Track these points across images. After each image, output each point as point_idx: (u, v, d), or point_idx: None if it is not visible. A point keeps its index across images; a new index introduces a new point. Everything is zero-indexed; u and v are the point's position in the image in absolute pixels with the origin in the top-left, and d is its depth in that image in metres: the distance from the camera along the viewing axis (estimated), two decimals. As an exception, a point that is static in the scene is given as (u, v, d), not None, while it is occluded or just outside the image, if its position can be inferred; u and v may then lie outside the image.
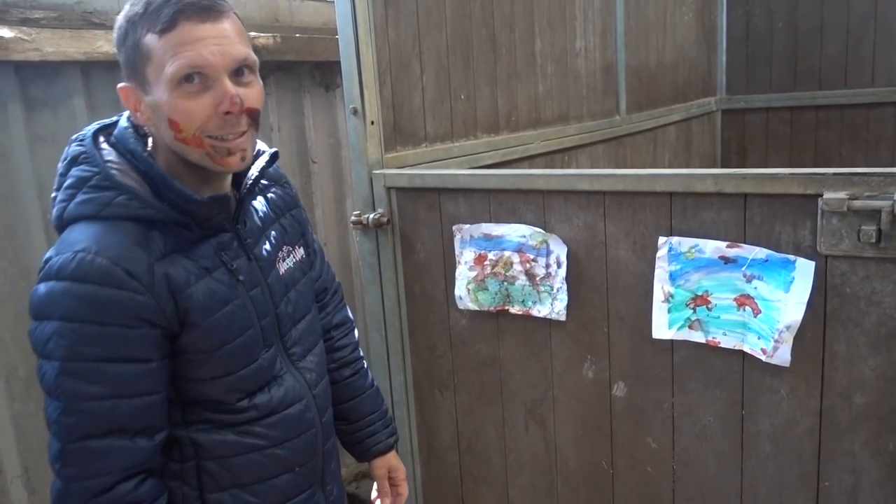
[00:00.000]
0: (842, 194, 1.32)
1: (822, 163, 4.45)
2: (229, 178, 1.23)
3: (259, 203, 1.31)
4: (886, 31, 4.19)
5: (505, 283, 1.79)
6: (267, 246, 1.28)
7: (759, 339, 1.47)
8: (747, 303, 1.48)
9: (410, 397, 2.09)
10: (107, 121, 1.21)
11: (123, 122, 1.17)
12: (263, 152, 1.29)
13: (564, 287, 1.71)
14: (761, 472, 1.56)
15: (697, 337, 1.56)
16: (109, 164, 1.12)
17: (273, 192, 1.36)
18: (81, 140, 1.16)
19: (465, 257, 1.84)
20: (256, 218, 1.28)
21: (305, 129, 2.98)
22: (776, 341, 1.44)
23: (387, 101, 1.99)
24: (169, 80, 1.05)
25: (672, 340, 1.59)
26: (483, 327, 1.89)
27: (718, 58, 4.75)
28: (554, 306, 1.73)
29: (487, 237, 1.80)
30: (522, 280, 1.76)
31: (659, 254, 1.56)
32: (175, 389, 1.18)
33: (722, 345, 1.53)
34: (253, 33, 2.52)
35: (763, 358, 1.47)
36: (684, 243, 1.53)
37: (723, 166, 4.82)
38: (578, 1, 2.96)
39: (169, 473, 1.20)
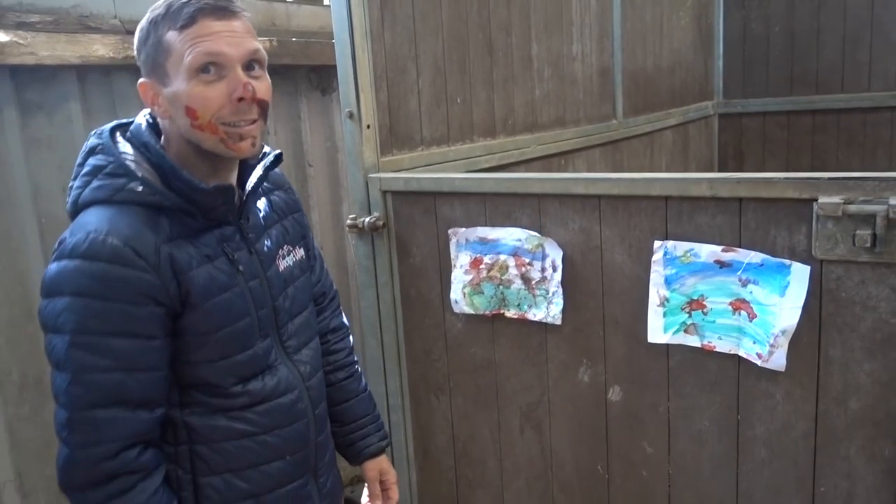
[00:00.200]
0: (837, 199, 1.33)
1: (818, 167, 4.46)
2: (235, 172, 1.30)
3: (263, 204, 1.38)
4: (883, 36, 4.20)
5: (500, 287, 1.79)
6: (268, 242, 1.35)
7: (754, 343, 1.47)
8: (743, 307, 1.47)
9: (406, 401, 2.08)
10: (124, 120, 1.29)
11: (139, 120, 1.26)
12: (268, 153, 1.37)
13: (560, 291, 1.71)
14: (757, 477, 1.56)
15: (693, 341, 1.55)
16: (124, 155, 1.20)
17: (276, 196, 1.43)
18: (99, 134, 1.24)
19: (461, 261, 1.84)
20: (260, 216, 1.36)
21: (302, 132, 2.97)
22: (771, 346, 1.44)
23: (383, 105, 1.99)
24: (187, 69, 1.14)
25: (667, 344, 1.59)
26: (479, 331, 1.88)
27: (715, 62, 4.76)
28: (549, 310, 1.73)
29: (483, 241, 1.80)
30: (518, 284, 1.76)
31: (654, 258, 1.56)
32: (173, 372, 1.23)
33: (717, 349, 1.53)
34: (249, 37, 2.52)
35: (758, 362, 1.47)
36: (680, 247, 1.53)
37: (720, 170, 4.83)
38: (575, 5, 2.96)
39: (164, 457, 1.24)
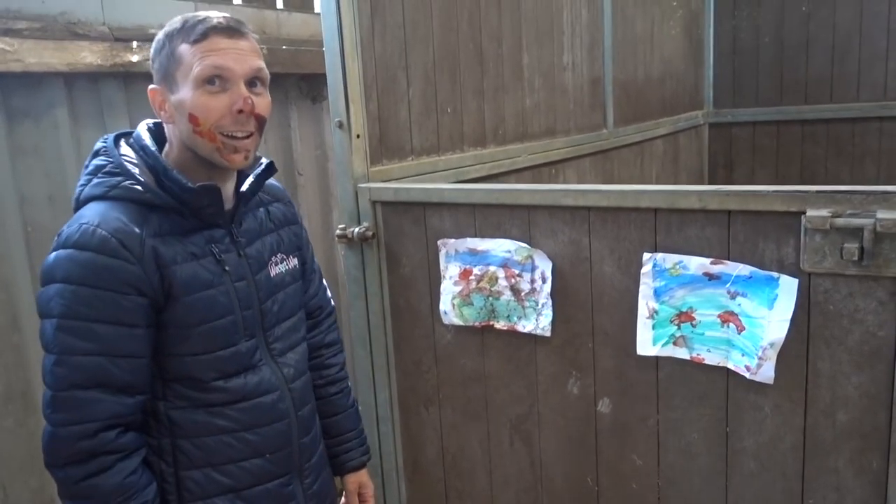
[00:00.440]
0: (824, 212, 1.33)
1: (808, 177, 4.48)
2: (232, 181, 1.38)
3: (261, 213, 1.46)
4: (871, 46, 4.23)
5: (490, 298, 1.78)
6: (260, 247, 1.41)
7: (743, 355, 1.47)
8: (731, 319, 1.47)
9: (395, 412, 2.07)
10: (129, 130, 1.39)
11: (140, 128, 1.36)
12: (262, 163, 1.44)
13: (549, 302, 1.70)
14: (746, 490, 1.56)
15: (682, 353, 1.55)
16: (124, 157, 1.29)
17: (275, 207, 1.51)
18: (105, 139, 1.34)
19: (450, 272, 1.83)
20: (255, 223, 1.43)
21: (292, 140, 2.97)
22: (760, 358, 1.43)
23: (373, 115, 1.99)
24: (194, 79, 1.23)
25: (657, 357, 1.59)
26: (468, 342, 1.88)
27: (706, 72, 4.79)
28: (539, 322, 1.72)
29: (472, 252, 1.79)
30: (507, 295, 1.76)
31: (643, 270, 1.56)
32: (158, 365, 1.29)
33: (706, 361, 1.53)
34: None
35: (747, 375, 1.47)
36: (669, 259, 1.53)
37: (710, 180, 4.85)
38: (566, 15, 2.97)
39: (148, 449, 1.31)
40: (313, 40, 3.02)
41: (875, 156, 4.31)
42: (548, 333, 1.72)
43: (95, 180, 1.27)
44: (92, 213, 1.22)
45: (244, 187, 1.39)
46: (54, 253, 1.21)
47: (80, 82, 2.21)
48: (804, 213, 1.35)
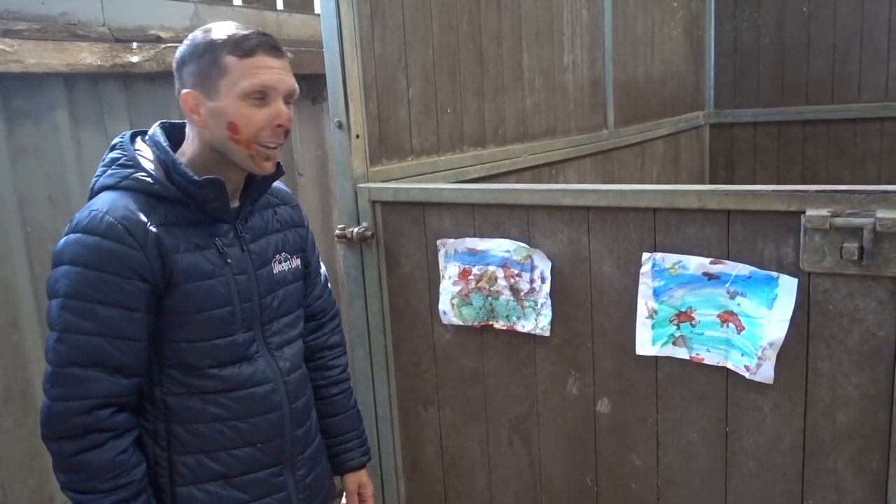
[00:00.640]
0: (824, 211, 1.32)
1: (809, 177, 4.47)
2: (241, 182, 1.44)
3: (268, 213, 1.52)
4: (872, 47, 4.23)
5: (489, 298, 1.78)
6: (264, 245, 1.46)
7: (742, 355, 1.47)
8: (731, 319, 1.47)
9: (394, 413, 2.07)
10: (144, 129, 1.45)
11: (155, 126, 1.42)
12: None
13: (549, 302, 1.70)
14: (745, 490, 1.55)
15: (681, 353, 1.55)
16: (137, 151, 1.36)
17: (283, 209, 1.56)
18: (122, 135, 1.41)
19: (450, 272, 1.83)
20: (261, 222, 1.48)
21: (292, 141, 2.97)
22: (759, 358, 1.43)
23: (372, 115, 1.99)
24: (241, 91, 1.31)
25: (656, 357, 1.59)
26: (467, 342, 1.88)
27: (706, 72, 4.79)
28: (538, 321, 1.72)
29: (472, 252, 1.79)
30: (507, 295, 1.75)
31: (643, 270, 1.55)
32: (156, 351, 1.34)
33: (706, 361, 1.52)
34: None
35: (746, 375, 1.46)
36: (668, 259, 1.53)
37: (711, 180, 4.84)
38: (566, 16, 2.97)
39: (143, 433, 1.36)
40: (313, 41, 3.02)
41: (876, 156, 4.30)
42: (547, 333, 1.72)
43: (109, 171, 1.34)
44: (102, 202, 1.29)
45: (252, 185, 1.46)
46: (65, 237, 1.28)
47: (80, 83, 2.21)
48: (804, 212, 1.35)
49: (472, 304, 1.81)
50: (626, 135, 3.56)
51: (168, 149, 1.36)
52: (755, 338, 1.43)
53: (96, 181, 1.36)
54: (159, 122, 1.43)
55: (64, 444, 1.26)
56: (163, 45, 2.37)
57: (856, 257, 1.31)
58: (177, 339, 1.34)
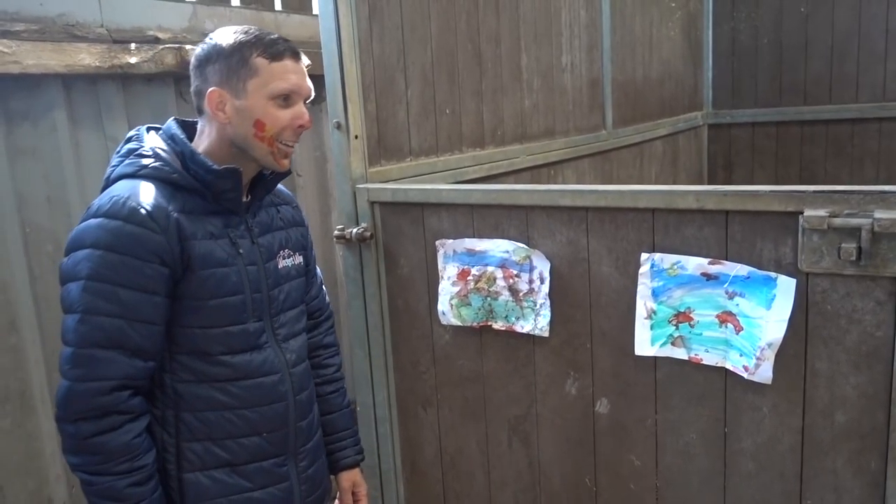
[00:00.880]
0: (822, 212, 1.33)
1: (807, 177, 4.48)
2: (249, 179, 1.49)
3: (272, 211, 1.56)
4: (870, 47, 4.23)
5: (488, 299, 1.78)
6: (270, 240, 1.52)
7: (741, 356, 1.47)
8: (729, 320, 1.47)
9: (394, 413, 2.07)
10: (158, 125, 1.50)
11: (170, 121, 1.47)
12: None
13: (547, 303, 1.70)
14: (744, 490, 1.55)
15: (680, 354, 1.55)
16: (154, 143, 1.41)
17: (285, 209, 1.61)
18: (137, 129, 1.47)
19: (449, 272, 1.83)
20: (267, 219, 1.53)
21: (291, 142, 2.96)
22: (758, 358, 1.43)
23: (371, 116, 1.99)
24: (270, 92, 1.38)
25: (655, 357, 1.59)
26: (466, 343, 1.88)
27: (705, 73, 4.79)
28: (537, 322, 1.72)
29: (471, 252, 1.79)
30: (506, 295, 1.76)
31: (641, 270, 1.56)
32: (169, 338, 1.37)
33: (704, 362, 1.53)
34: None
35: (745, 375, 1.46)
36: (666, 260, 1.53)
37: (709, 180, 4.85)
38: (564, 16, 2.97)
39: (151, 419, 1.38)
40: (312, 42, 3.01)
41: (874, 156, 4.31)
42: (546, 334, 1.72)
43: (127, 161, 1.38)
44: (123, 188, 1.33)
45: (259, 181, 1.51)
46: (84, 223, 1.31)
47: (79, 84, 2.21)
48: (802, 213, 1.35)
49: (470, 305, 1.81)
50: (625, 135, 3.56)
51: (185, 140, 1.41)
52: (754, 338, 1.44)
53: (112, 171, 1.39)
54: (172, 118, 1.48)
55: (82, 426, 1.28)
56: (161, 46, 2.37)
57: (854, 258, 1.32)
58: (190, 324, 1.38)
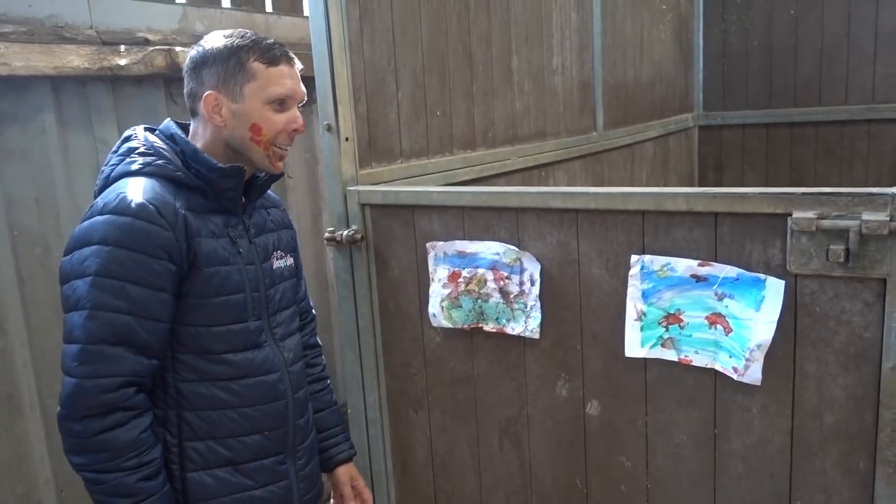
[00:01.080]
0: (810, 214, 1.33)
1: (797, 179, 4.50)
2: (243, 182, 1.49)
3: (264, 213, 1.59)
4: (859, 50, 4.26)
5: (479, 301, 1.78)
6: (265, 241, 1.54)
7: (730, 357, 1.47)
8: (719, 321, 1.48)
9: (384, 415, 2.07)
10: (154, 126, 1.50)
11: (166, 122, 1.48)
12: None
13: (538, 305, 1.70)
14: (734, 491, 1.56)
15: (670, 355, 1.55)
16: (154, 141, 1.42)
17: (274, 212, 1.63)
18: (133, 129, 1.47)
19: (439, 274, 1.83)
20: (260, 220, 1.55)
21: (282, 144, 2.95)
22: (747, 360, 1.44)
23: (362, 118, 1.99)
24: (267, 97, 1.40)
25: (645, 359, 1.59)
26: (457, 345, 1.88)
27: (695, 75, 4.81)
28: (528, 324, 1.73)
29: (461, 254, 1.79)
30: (496, 297, 1.76)
31: (631, 272, 1.56)
32: (172, 337, 1.37)
33: (694, 363, 1.53)
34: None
35: (734, 376, 1.47)
36: (656, 261, 1.53)
37: (700, 182, 4.86)
38: (555, 18, 2.98)
39: (154, 420, 1.38)
40: (303, 44, 3.00)
41: (864, 158, 4.34)
42: (536, 336, 1.72)
43: (129, 159, 1.38)
44: (129, 185, 1.33)
45: (258, 181, 1.54)
46: (89, 220, 1.30)
47: (68, 86, 2.20)
48: (790, 214, 1.36)
49: (461, 307, 1.81)
50: (616, 137, 3.57)
51: (186, 139, 1.43)
52: (743, 339, 1.44)
53: (112, 169, 1.39)
54: (169, 118, 1.49)
55: (89, 423, 1.27)
56: (150, 48, 2.36)
57: (842, 259, 1.32)
58: (194, 322, 1.38)
